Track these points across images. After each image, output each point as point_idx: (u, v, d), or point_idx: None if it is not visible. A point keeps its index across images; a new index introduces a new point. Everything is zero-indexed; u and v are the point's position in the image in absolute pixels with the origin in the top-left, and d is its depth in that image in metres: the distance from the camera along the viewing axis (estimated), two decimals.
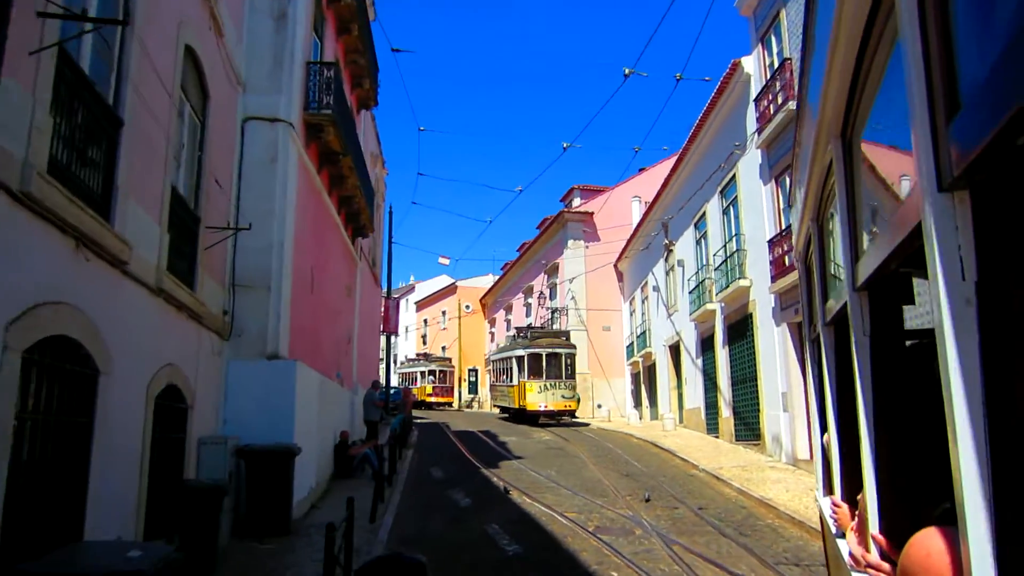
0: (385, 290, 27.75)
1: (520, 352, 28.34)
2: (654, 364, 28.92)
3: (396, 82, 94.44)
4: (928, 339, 1.63)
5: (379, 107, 26.27)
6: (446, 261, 32.55)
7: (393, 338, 76.26)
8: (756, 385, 17.20)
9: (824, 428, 3.15)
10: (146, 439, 6.43)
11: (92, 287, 5.33)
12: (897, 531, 1.64)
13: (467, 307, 55.34)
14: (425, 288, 64.48)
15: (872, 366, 1.84)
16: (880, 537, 1.76)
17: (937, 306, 1.01)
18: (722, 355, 19.96)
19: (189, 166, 8.15)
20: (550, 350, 27.77)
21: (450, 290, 57.51)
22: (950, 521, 1.13)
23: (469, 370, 53.92)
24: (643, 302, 30.84)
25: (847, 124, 1.92)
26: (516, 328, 34.38)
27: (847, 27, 1.61)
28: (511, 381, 29.37)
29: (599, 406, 32.76)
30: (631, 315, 33.67)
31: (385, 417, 16.20)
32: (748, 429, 18.04)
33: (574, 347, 29.19)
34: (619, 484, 12.99)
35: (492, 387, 36.41)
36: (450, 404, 44.31)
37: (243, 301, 9.79)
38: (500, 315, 49.42)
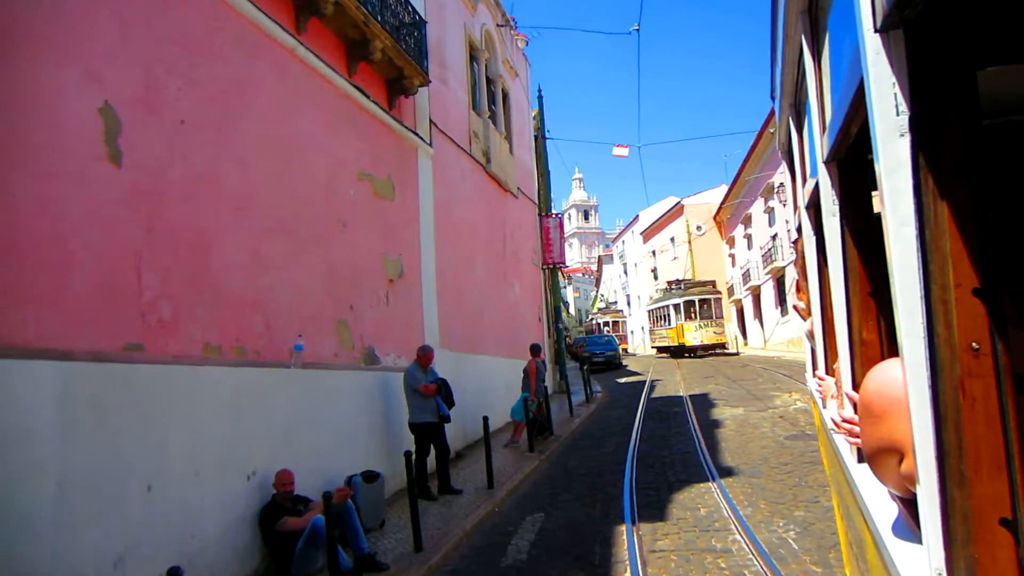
0: (549, 207, 19.93)
1: (676, 300, 34.72)
2: None
3: None
4: None
5: None
6: (624, 151, 22.59)
7: (622, 276, 68.01)
8: None
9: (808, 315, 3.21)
10: None
11: None
12: None
13: (698, 228, 45.41)
14: (649, 215, 55.31)
15: (843, 235, 1.83)
16: (852, 394, 1.79)
17: (874, 143, 1.05)
18: None
19: None
20: (701, 297, 33.65)
21: (676, 211, 47.92)
22: None
23: None
24: None
25: None
26: (667, 281, 40.85)
27: None
28: (670, 324, 35.89)
29: None
30: None
31: (445, 412, 8.63)
32: None
33: (720, 292, 35.45)
34: None
35: (651, 332, 42.84)
36: (625, 349, 48.81)
37: None
38: (738, 232, 38.96)
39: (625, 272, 63.85)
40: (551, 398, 17.16)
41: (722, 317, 34.12)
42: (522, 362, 15.19)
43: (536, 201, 19.16)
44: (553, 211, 19.86)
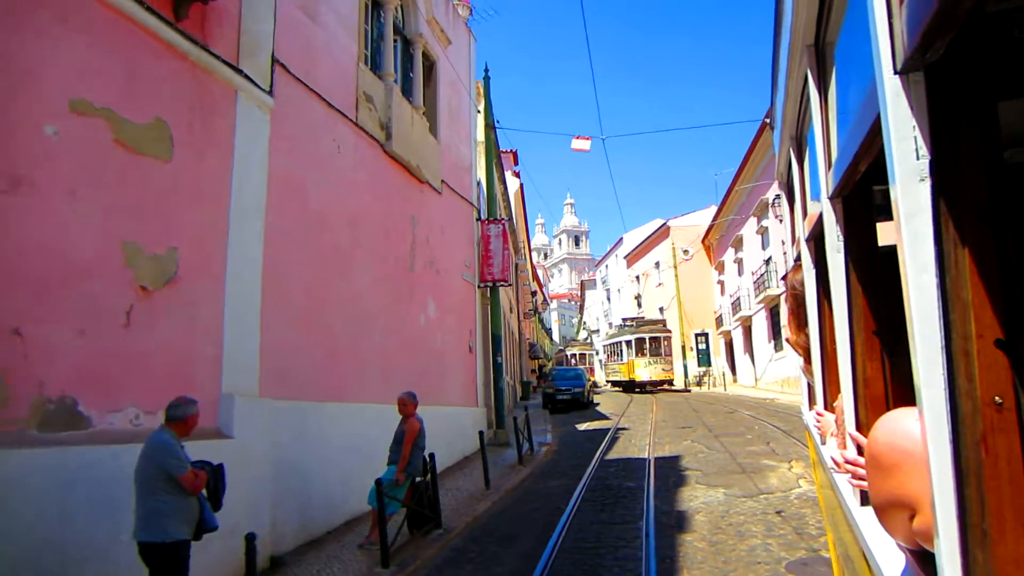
0: (495, 211, 16.17)
1: (628, 337, 36.15)
2: None
3: None
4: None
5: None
6: (585, 143, 18.51)
7: (605, 303, 64.08)
8: None
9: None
10: None
11: None
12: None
13: (685, 252, 41.82)
14: (634, 238, 51.80)
15: (847, 272, 1.80)
16: (857, 435, 1.74)
17: (893, 186, 1.02)
18: None
19: None
20: (651, 335, 35.19)
21: (662, 233, 44.42)
22: None
23: (696, 335, 40.47)
24: None
25: (819, 31, 1.92)
26: (622, 319, 44.58)
27: None
28: (622, 360, 37.24)
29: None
30: None
31: (212, 522, 4.89)
32: None
33: (670, 331, 36.80)
34: None
35: (605, 366, 44.19)
36: (594, 383, 48.41)
37: None
38: (728, 256, 35.40)
39: (608, 298, 60.24)
40: (491, 448, 13.32)
41: (671, 355, 36.20)
42: (435, 410, 11.41)
43: (476, 204, 15.44)
44: (503, 216, 16.05)
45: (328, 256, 8.87)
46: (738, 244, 32.89)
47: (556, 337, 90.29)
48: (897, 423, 1.23)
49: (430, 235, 12.33)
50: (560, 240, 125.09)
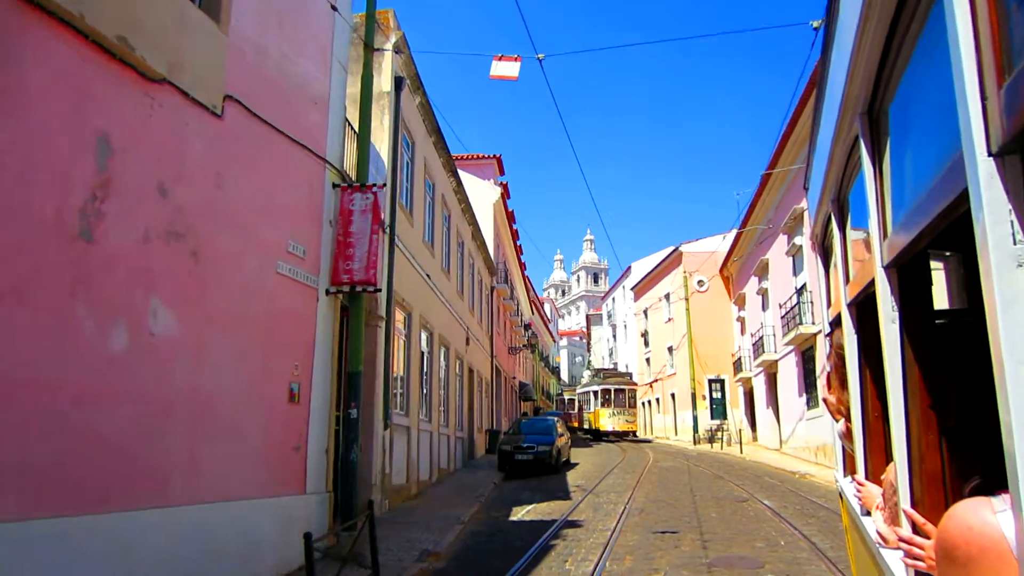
0: (365, 176, 10.37)
1: (596, 388, 38.48)
2: None
3: None
4: (955, 317, 1.67)
5: None
6: (512, 67, 11.53)
7: (610, 341, 57.79)
8: None
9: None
10: None
11: None
12: (929, 506, 1.64)
13: (699, 283, 35.76)
14: (642, 268, 45.76)
15: (902, 344, 1.76)
16: (913, 513, 1.68)
17: (987, 273, 0.98)
18: None
19: None
20: (617, 386, 37.48)
21: (673, 261, 38.41)
22: (982, 495, 1.11)
23: (710, 381, 34.18)
24: None
25: (875, 100, 1.89)
26: (594, 368, 47.25)
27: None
28: (590, 409, 39.34)
29: None
30: None
31: None
32: None
33: (635, 384, 40.38)
34: None
35: (577, 416, 43.56)
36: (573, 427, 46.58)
37: None
38: (750, 287, 29.29)
39: (614, 335, 54.04)
40: (320, 567, 7.39)
41: (634, 407, 38.21)
42: (158, 515, 5.64)
43: (336, 163, 9.73)
44: (376, 183, 10.12)
45: None
46: (762, 271, 26.80)
47: (565, 376, 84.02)
48: (973, 514, 1.10)
49: (171, 184, 6.61)
50: (579, 277, 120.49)
